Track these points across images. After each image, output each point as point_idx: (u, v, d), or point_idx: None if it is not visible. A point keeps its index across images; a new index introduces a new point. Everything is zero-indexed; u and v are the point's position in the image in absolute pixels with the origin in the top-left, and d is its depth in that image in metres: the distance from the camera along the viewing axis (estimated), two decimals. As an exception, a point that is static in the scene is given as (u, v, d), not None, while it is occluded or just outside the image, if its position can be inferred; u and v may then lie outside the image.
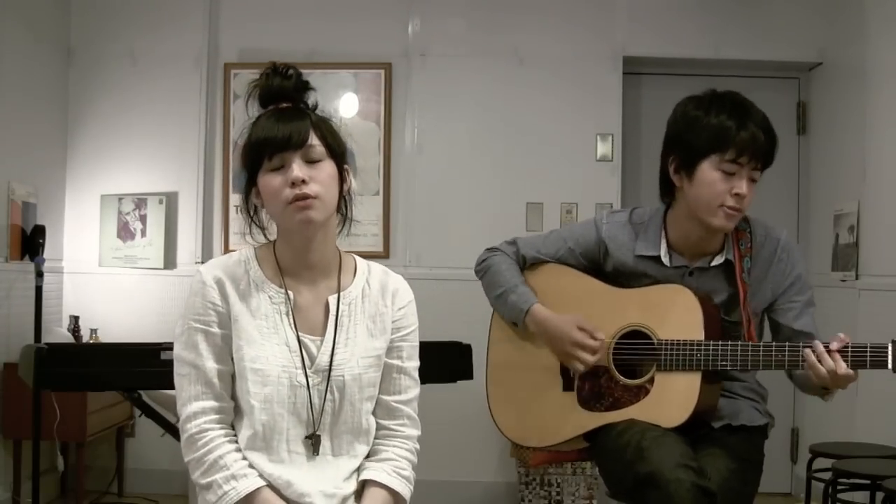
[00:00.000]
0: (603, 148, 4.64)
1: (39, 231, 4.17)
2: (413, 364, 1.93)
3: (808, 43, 4.62)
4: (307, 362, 1.79)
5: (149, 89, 4.65)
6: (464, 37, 4.69)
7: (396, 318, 1.90)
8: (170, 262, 4.62)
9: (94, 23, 4.68)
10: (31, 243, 4.15)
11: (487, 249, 2.58)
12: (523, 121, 4.65)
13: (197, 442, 1.75)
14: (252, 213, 1.85)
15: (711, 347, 2.20)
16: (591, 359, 2.31)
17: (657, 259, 2.35)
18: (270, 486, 1.75)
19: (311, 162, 1.76)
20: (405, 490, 1.85)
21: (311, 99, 1.85)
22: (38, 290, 3.93)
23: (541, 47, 4.65)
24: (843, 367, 2.06)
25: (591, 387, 2.35)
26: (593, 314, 2.37)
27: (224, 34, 4.70)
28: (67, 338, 4.32)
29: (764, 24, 4.64)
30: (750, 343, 2.20)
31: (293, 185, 1.72)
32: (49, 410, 3.86)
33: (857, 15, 4.22)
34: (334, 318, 1.83)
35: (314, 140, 1.77)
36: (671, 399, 2.22)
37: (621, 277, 2.40)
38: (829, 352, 2.07)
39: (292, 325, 1.80)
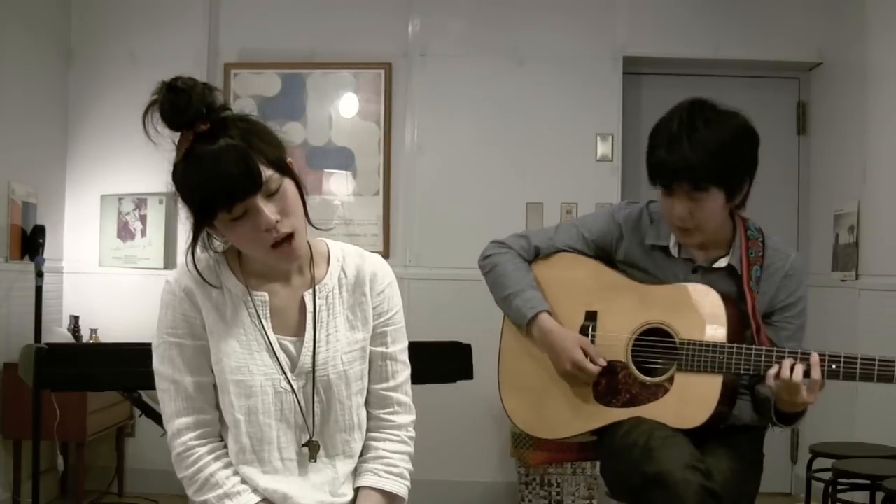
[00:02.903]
0: (603, 148, 4.64)
1: (39, 231, 4.16)
2: (399, 347, 1.84)
3: (808, 43, 4.62)
4: (289, 365, 1.73)
5: (149, 89, 4.58)
6: (464, 36, 4.69)
7: (377, 304, 1.80)
8: (170, 262, 4.62)
9: (94, 23, 4.68)
10: (31, 243, 4.15)
11: (494, 243, 2.55)
12: (523, 121, 4.65)
13: (186, 460, 1.71)
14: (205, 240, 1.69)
15: (735, 351, 2.18)
16: (586, 381, 2.33)
17: (665, 249, 2.35)
18: (266, 500, 1.70)
19: (271, 195, 1.61)
20: (400, 488, 1.80)
21: (219, 100, 1.63)
22: (38, 290, 3.93)
23: (541, 47, 4.65)
24: (798, 376, 2.07)
25: (609, 382, 2.33)
26: (614, 308, 2.36)
27: (224, 34, 4.70)
28: (67, 338, 4.32)
29: (764, 24, 4.63)
30: (774, 349, 2.18)
31: (270, 230, 1.61)
32: (49, 410, 3.86)
33: (857, 15, 4.21)
34: (312, 315, 1.75)
35: (266, 170, 1.60)
36: (690, 401, 2.21)
37: (630, 266, 2.40)
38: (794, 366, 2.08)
39: (270, 329, 1.72)
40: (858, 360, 2.09)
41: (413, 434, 1.86)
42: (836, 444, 3.56)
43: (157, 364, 1.74)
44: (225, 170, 1.57)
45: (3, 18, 4.06)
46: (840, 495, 3.28)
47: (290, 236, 1.64)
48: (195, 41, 4.64)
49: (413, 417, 1.86)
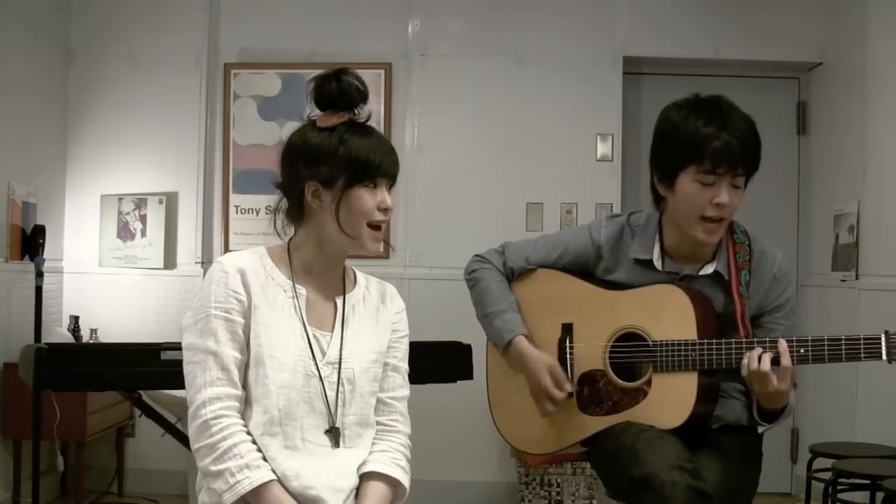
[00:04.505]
0: (603, 148, 4.64)
1: (39, 231, 4.16)
2: (405, 366, 2.01)
3: (808, 43, 4.62)
4: (318, 355, 1.85)
5: (149, 89, 4.65)
6: (464, 37, 4.69)
7: (394, 321, 2.00)
8: (170, 262, 4.62)
9: (94, 23, 4.67)
10: (31, 243, 4.15)
11: (476, 258, 2.56)
12: (523, 121, 4.65)
13: (212, 427, 1.75)
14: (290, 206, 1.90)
15: (706, 346, 2.19)
16: (551, 408, 2.34)
17: (650, 263, 2.34)
18: (279, 480, 1.77)
19: (391, 188, 1.91)
20: (404, 478, 1.90)
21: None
22: (38, 290, 3.93)
23: (541, 47, 4.65)
24: (766, 364, 2.08)
25: (591, 391, 2.35)
26: (587, 318, 2.37)
27: (224, 34, 4.70)
28: (67, 338, 4.32)
29: (764, 24, 4.64)
30: (744, 341, 2.18)
31: (385, 211, 1.88)
32: (49, 410, 3.86)
33: (857, 15, 4.22)
34: (342, 315, 1.91)
35: None
36: (669, 400, 2.22)
37: (612, 281, 2.39)
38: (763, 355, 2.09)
39: (304, 320, 1.86)
40: (826, 342, 2.10)
41: (410, 445, 1.97)
42: (836, 444, 3.56)
43: (194, 338, 1.81)
44: (388, 150, 1.89)
45: (3, 18, 4.06)
46: (840, 495, 3.28)
47: (385, 224, 1.92)
48: (195, 41, 4.64)
49: (410, 432, 1.98)
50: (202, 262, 4.61)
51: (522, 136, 4.65)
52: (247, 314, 1.81)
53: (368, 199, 1.85)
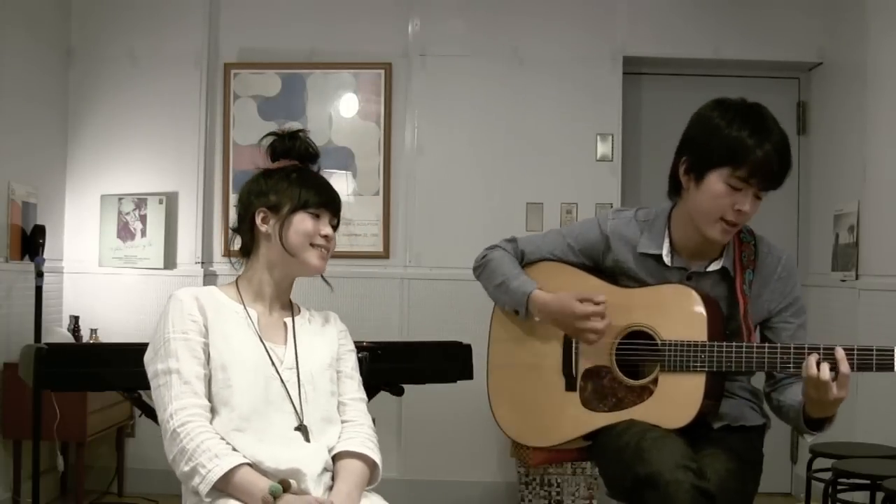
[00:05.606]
0: (603, 148, 4.64)
1: (39, 231, 4.16)
2: (357, 375, 2.14)
3: (808, 43, 4.63)
4: (276, 362, 1.98)
5: (149, 90, 4.65)
6: (464, 37, 4.69)
7: (340, 337, 2.14)
8: (170, 262, 4.63)
9: (94, 23, 4.68)
10: (31, 243, 4.15)
11: (487, 248, 2.57)
12: (523, 121, 4.65)
13: (180, 434, 1.84)
14: (249, 231, 2.07)
15: (716, 349, 2.18)
16: (600, 325, 2.28)
17: (658, 258, 2.34)
18: (254, 467, 1.85)
19: (335, 227, 2.09)
20: (377, 457, 2.01)
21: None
22: (38, 290, 3.93)
23: (541, 47, 4.65)
24: (825, 375, 2.04)
25: (595, 387, 2.35)
26: None
27: (224, 34, 4.70)
28: (67, 338, 4.32)
29: (763, 24, 4.64)
30: (755, 345, 2.19)
31: (325, 238, 2.05)
32: (49, 410, 3.86)
33: (857, 15, 4.22)
34: (292, 330, 2.06)
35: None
36: (675, 400, 2.22)
37: (620, 275, 2.39)
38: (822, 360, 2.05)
39: (259, 334, 2.00)
40: (855, 351, 2.08)
41: (376, 436, 2.08)
42: (836, 444, 3.55)
43: (158, 365, 1.91)
44: (333, 192, 2.11)
45: (3, 18, 4.06)
46: (840, 495, 3.28)
47: (328, 250, 2.08)
48: (195, 41, 4.65)
49: (372, 426, 2.09)
50: (202, 262, 4.62)
51: (522, 137, 4.65)
52: (204, 333, 1.93)
53: (310, 223, 2.03)
